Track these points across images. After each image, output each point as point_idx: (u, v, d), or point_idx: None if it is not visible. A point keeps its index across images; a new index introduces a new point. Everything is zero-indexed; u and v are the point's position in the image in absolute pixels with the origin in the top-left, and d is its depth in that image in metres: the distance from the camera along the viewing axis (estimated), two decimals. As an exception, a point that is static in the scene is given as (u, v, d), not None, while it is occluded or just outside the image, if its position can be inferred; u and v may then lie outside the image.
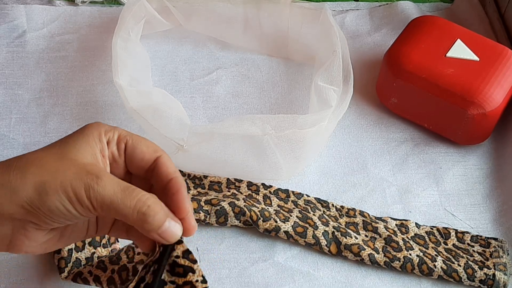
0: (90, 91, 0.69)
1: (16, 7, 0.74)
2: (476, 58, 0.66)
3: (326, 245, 0.59)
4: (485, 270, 0.58)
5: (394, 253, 0.59)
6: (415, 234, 0.61)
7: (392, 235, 0.60)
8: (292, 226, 0.59)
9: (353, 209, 0.62)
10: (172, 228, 0.44)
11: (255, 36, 0.73)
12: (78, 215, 0.43)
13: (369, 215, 0.62)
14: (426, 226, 0.62)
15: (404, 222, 0.62)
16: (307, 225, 0.59)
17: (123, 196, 0.43)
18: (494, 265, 0.58)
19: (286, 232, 0.59)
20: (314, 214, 0.61)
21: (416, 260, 0.58)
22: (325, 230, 0.59)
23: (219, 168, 0.63)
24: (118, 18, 0.69)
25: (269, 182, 0.63)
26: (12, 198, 0.42)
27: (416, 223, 0.62)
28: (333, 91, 0.64)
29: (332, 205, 0.62)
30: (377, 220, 0.62)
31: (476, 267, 0.58)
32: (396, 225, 0.61)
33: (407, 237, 0.60)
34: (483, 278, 0.57)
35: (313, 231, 0.59)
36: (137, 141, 0.46)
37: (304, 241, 0.59)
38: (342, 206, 0.62)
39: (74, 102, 0.68)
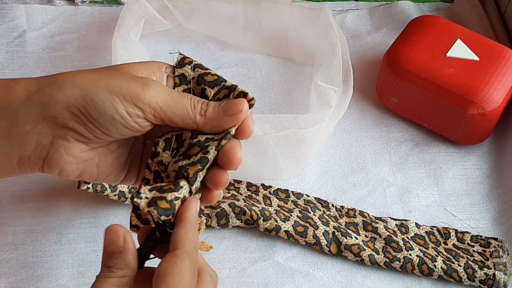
0: (90, 91, 0.69)
1: (16, 6, 0.74)
2: (476, 58, 0.66)
3: (326, 245, 0.59)
4: (485, 270, 0.58)
5: (394, 253, 0.59)
6: (415, 234, 0.61)
7: (392, 235, 0.60)
8: (292, 225, 0.59)
9: (353, 209, 0.62)
10: (232, 101, 0.45)
11: (255, 36, 0.73)
12: (127, 119, 0.43)
13: (369, 215, 0.62)
14: (426, 226, 0.62)
15: (404, 222, 0.62)
16: (307, 225, 0.59)
17: (179, 94, 0.44)
18: (494, 265, 0.58)
19: (286, 232, 0.59)
20: (314, 214, 0.61)
21: (416, 260, 0.58)
22: (325, 230, 0.59)
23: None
24: (118, 17, 0.69)
25: (269, 181, 0.63)
26: (58, 98, 0.42)
27: (416, 223, 0.62)
28: (333, 91, 0.64)
29: (332, 205, 0.62)
30: (377, 220, 0.62)
31: (476, 267, 0.58)
32: (396, 225, 0.61)
33: (407, 237, 0.60)
34: (483, 278, 0.57)
35: (314, 231, 0.59)
36: None
37: (305, 241, 0.59)
38: (342, 206, 0.62)
39: (74, 101, 0.68)
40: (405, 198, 0.64)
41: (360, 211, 0.62)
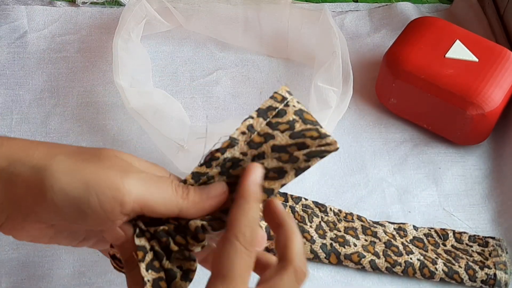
0: (91, 92, 0.69)
1: (17, 7, 0.74)
2: (475, 59, 0.66)
3: (325, 257, 0.59)
4: (486, 270, 0.58)
5: (395, 258, 0.59)
6: (413, 237, 0.61)
7: (392, 240, 0.60)
8: None
9: (351, 214, 0.62)
10: (212, 185, 0.43)
11: (255, 36, 0.74)
12: (100, 215, 0.40)
13: (366, 219, 0.62)
14: (424, 228, 0.62)
15: (401, 225, 0.62)
16: (304, 240, 0.59)
17: (160, 181, 0.41)
18: (494, 265, 0.59)
19: None
20: (311, 226, 0.60)
21: (417, 264, 0.58)
22: (322, 243, 0.59)
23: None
24: (119, 19, 0.69)
25: (269, 182, 0.64)
26: (24, 178, 0.39)
27: (413, 226, 0.62)
28: (332, 92, 0.64)
29: (330, 209, 0.62)
30: (375, 225, 0.61)
31: (476, 267, 0.58)
32: (394, 228, 0.61)
33: (406, 241, 0.60)
34: (484, 278, 0.58)
35: (311, 246, 0.58)
36: None
37: None
38: (340, 210, 0.62)
39: (75, 102, 0.68)
40: (404, 199, 0.65)
41: (358, 215, 0.62)
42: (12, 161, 0.40)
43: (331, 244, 0.59)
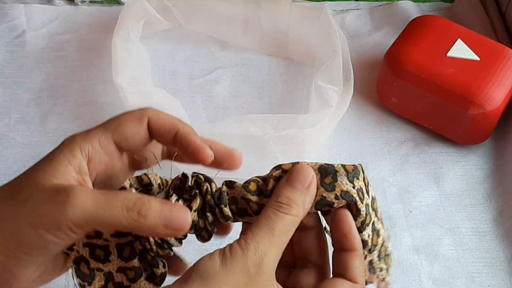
0: (90, 91, 0.69)
1: (16, 6, 0.74)
2: (476, 58, 0.66)
3: None
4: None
5: None
6: None
7: None
8: None
9: None
10: (176, 212, 0.39)
11: (255, 36, 0.73)
12: (61, 242, 0.39)
13: None
14: None
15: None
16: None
17: (106, 201, 0.39)
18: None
19: None
20: None
21: None
22: None
23: (219, 168, 0.63)
24: (118, 17, 0.69)
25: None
26: None
27: None
28: (333, 91, 0.64)
29: None
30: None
31: None
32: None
33: None
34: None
35: None
36: (157, 117, 0.45)
37: None
38: None
39: (73, 101, 0.68)
40: (405, 198, 0.64)
41: None
42: None
43: None
